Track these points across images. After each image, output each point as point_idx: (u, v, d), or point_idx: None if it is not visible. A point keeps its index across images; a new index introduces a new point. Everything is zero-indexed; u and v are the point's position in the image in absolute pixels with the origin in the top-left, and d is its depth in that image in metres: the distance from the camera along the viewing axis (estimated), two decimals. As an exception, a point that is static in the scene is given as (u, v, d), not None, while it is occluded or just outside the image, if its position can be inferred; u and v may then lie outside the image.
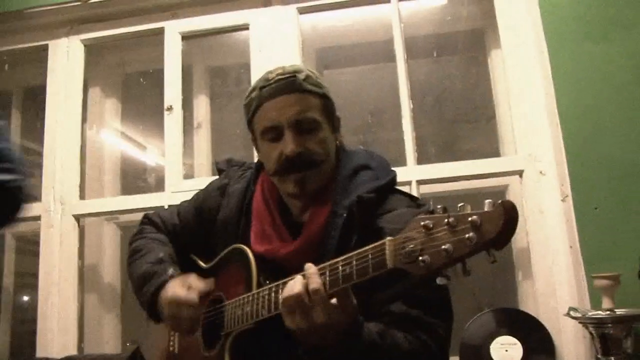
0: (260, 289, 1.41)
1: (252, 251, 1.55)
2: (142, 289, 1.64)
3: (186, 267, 1.77)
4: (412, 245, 1.05)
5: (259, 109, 1.54)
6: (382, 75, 3.12)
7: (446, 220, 1.00)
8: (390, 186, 1.58)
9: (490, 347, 2.35)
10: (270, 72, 1.56)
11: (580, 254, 2.35)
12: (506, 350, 2.34)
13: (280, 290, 1.33)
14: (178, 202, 2.49)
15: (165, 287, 1.57)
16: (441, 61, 3.27)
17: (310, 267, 1.22)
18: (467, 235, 0.96)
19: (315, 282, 1.19)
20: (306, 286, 1.20)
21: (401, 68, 2.76)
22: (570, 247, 2.41)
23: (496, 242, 0.94)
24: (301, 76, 1.53)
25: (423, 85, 3.13)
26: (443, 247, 0.99)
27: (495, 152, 2.91)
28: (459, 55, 3.28)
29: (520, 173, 2.58)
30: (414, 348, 1.31)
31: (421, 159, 2.70)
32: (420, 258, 1.02)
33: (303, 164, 1.49)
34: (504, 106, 2.88)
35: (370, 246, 1.15)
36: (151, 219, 1.87)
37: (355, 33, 3.21)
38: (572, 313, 2.20)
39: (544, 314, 2.44)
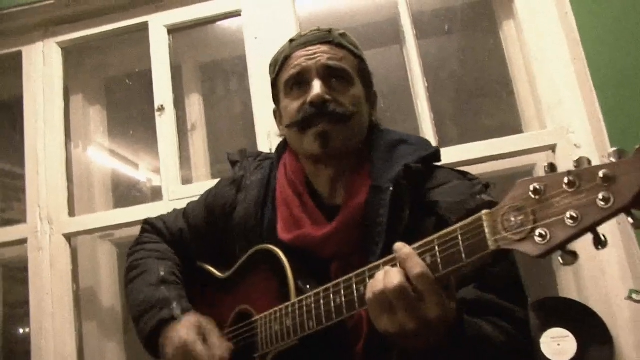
0: (303, 297, 1.18)
1: (280, 242, 1.34)
2: (141, 318, 1.42)
3: (197, 278, 1.56)
4: (521, 217, 0.82)
5: (287, 60, 1.39)
6: (390, 58, 2.92)
7: (566, 179, 0.78)
8: (436, 159, 1.39)
9: (541, 341, 2.13)
10: (304, 29, 1.45)
11: (630, 229, 2.12)
12: (558, 344, 2.13)
13: (332, 296, 1.10)
14: (179, 210, 2.29)
15: (175, 327, 1.34)
16: (450, 37, 3.08)
17: (403, 247, 0.98)
18: (600, 195, 0.74)
19: (420, 265, 0.94)
20: (405, 274, 0.95)
21: (411, 46, 2.54)
22: (619, 223, 2.17)
23: None
24: (338, 32, 1.40)
25: (434, 63, 2.93)
26: (568, 214, 0.77)
27: (517, 128, 2.69)
28: (467, 29, 3.08)
29: (552, 148, 2.36)
30: (501, 338, 1.11)
31: (441, 142, 2.48)
32: (537, 232, 0.80)
33: (328, 114, 1.31)
34: (522, 78, 2.67)
35: (458, 225, 0.92)
36: (153, 224, 1.66)
37: (357, 13, 3.00)
38: (634, 296, 2.00)
39: (593, 300, 2.20)
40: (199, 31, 2.91)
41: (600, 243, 0.78)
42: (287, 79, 1.39)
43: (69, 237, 2.68)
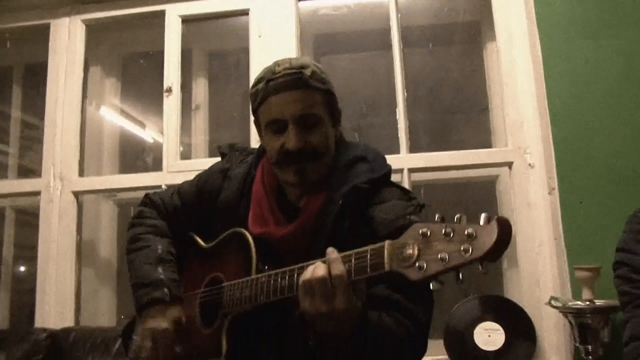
0: (260, 275, 1.46)
1: (250, 233, 1.59)
2: (137, 290, 1.68)
3: (186, 244, 1.83)
4: (409, 251, 1.09)
5: (264, 102, 1.58)
6: (378, 64, 3.15)
7: (443, 230, 1.05)
8: (384, 179, 1.62)
9: (474, 332, 2.44)
10: (278, 64, 1.58)
11: (563, 245, 2.42)
12: (489, 336, 2.42)
13: (279, 279, 1.38)
14: (175, 182, 2.62)
15: (161, 310, 1.62)
16: (437, 52, 3.31)
17: (332, 252, 1.26)
18: (462, 247, 1.01)
19: (339, 269, 1.22)
20: (329, 270, 1.24)
21: (397, 58, 2.80)
22: (555, 239, 2.48)
23: (489, 256, 0.98)
24: (307, 72, 1.55)
25: (418, 75, 3.16)
26: (439, 255, 1.04)
27: (487, 143, 2.96)
28: (455, 46, 3.32)
29: (509, 165, 2.65)
30: (399, 332, 1.36)
31: (413, 148, 2.74)
32: (417, 264, 1.07)
33: (304, 157, 1.53)
34: (497, 98, 2.93)
35: (369, 247, 1.20)
36: (152, 200, 1.90)
37: (353, 21, 3.24)
38: (553, 302, 2.28)
39: (527, 302, 2.52)
40: (210, 23, 3.15)
41: (458, 279, 1.05)
42: (266, 122, 1.59)
43: (77, 194, 2.99)
